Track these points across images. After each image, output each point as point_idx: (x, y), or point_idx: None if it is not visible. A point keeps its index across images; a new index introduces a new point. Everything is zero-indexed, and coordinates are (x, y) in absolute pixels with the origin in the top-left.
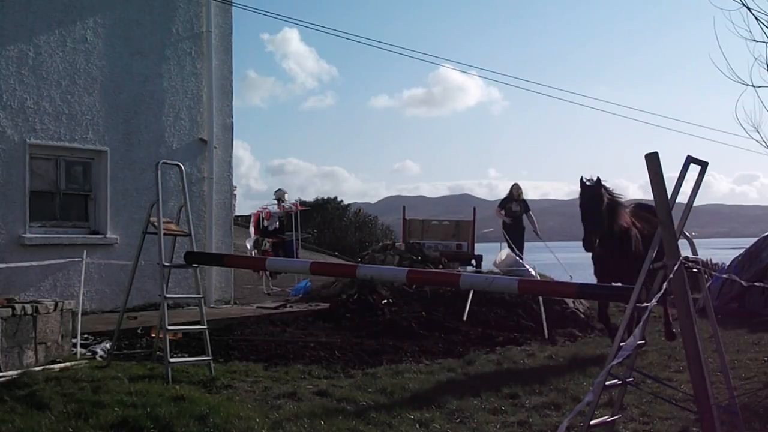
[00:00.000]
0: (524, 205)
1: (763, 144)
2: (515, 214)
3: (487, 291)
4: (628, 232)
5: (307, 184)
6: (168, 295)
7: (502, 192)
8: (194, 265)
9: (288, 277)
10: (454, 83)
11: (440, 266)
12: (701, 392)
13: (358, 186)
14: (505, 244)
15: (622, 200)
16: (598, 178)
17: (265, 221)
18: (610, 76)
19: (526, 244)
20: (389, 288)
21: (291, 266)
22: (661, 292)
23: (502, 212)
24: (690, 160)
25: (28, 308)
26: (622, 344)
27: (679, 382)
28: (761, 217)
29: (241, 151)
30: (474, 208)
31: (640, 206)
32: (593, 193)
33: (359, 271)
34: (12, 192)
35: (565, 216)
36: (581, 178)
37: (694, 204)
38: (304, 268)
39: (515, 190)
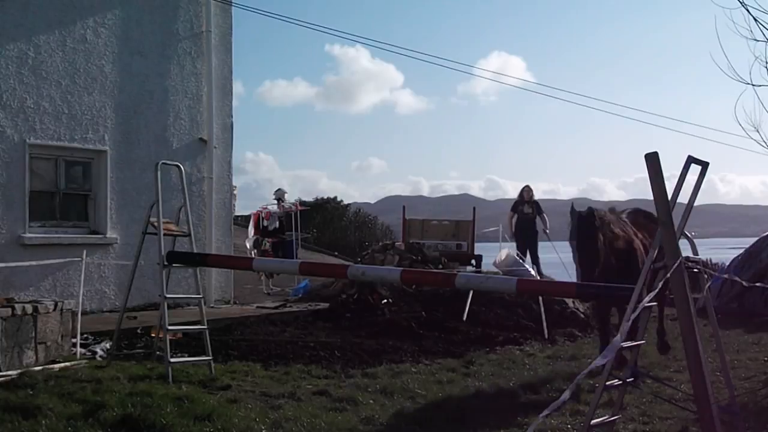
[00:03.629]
0: (536, 206)
1: (763, 144)
2: (527, 217)
3: (486, 291)
4: (629, 249)
5: (311, 186)
6: (168, 295)
7: (502, 192)
8: (175, 265)
9: (288, 277)
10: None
11: (440, 266)
12: (701, 392)
13: (357, 186)
14: (505, 244)
15: (616, 215)
16: (590, 208)
17: (265, 221)
18: (609, 76)
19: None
20: (389, 288)
21: (280, 267)
22: (656, 291)
23: (514, 217)
24: (691, 160)
25: (28, 308)
26: (623, 345)
27: (679, 382)
28: (761, 217)
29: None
30: (474, 208)
31: (637, 213)
32: (587, 227)
33: (350, 271)
34: (12, 192)
35: (565, 216)
36: (572, 207)
37: (695, 204)
38: (293, 269)
39: (526, 192)
